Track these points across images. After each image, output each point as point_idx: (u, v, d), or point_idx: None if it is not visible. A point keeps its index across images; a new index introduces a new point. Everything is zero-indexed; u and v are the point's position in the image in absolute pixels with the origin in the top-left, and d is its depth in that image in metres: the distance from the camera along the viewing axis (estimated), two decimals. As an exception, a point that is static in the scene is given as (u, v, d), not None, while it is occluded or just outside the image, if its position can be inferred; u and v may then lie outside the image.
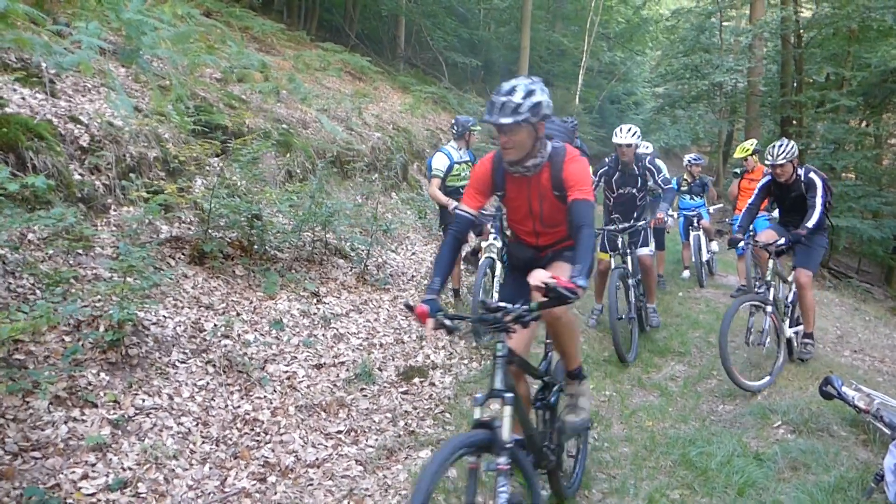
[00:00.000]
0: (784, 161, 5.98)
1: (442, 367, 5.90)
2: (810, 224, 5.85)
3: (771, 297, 5.94)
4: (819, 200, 5.95)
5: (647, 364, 6.55)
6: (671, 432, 4.99)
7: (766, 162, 6.13)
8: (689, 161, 10.58)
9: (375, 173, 10.72)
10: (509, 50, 27.99)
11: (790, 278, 6.36)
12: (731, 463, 4.40)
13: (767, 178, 6.36)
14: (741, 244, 6.39)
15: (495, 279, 6.70)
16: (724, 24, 24.14)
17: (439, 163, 7.19)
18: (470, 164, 7.37)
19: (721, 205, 10.39)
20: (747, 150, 8.94)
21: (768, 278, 6.04)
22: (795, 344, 6.35)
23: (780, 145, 6.05)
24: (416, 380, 5.54)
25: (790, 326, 6.30)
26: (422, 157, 14.03)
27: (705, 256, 10.18)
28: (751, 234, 8.81)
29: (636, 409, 5.49)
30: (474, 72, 25.81)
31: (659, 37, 29.48)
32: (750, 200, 6.53)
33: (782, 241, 6.00)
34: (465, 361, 6.11)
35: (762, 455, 4.60)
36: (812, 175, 6.09)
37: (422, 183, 12.88)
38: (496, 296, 6.61)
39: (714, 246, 10.37)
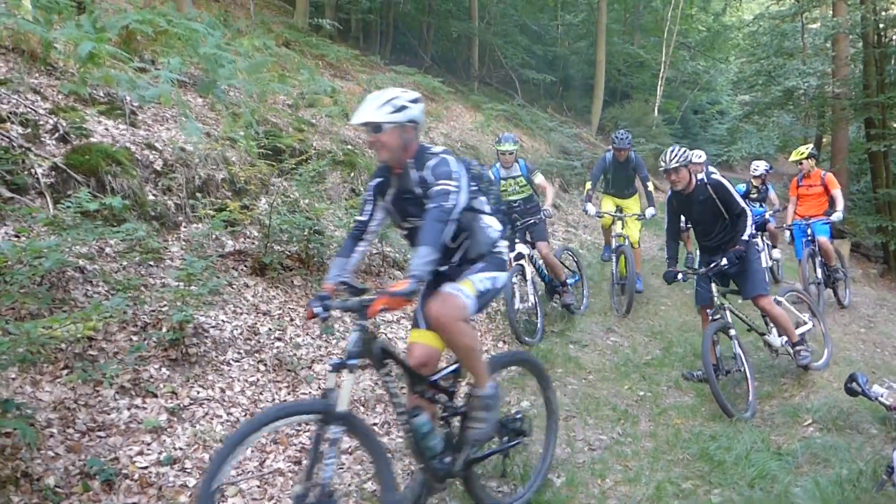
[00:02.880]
0: (677, 164, 5.58)
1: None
2: (745, 235, 5.51)
3: (729, 319, 5.70)
4: (742, 203, 5.61)
5: (691, 368, 6.65)
6: (697, 429, 5.14)
7: (660, 168, 5.72)
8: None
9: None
10: (586, 64, 28.18)
11: (741, 300, 6.05)
12: (749, 457, 4.54)
13: (668, 194, 6.02)
14: (679, 275, 5.87)
15: (528, 284, 7.10)
16: (811, 26, 23.51)
17: None
18: (518, 179, 7.79)
19: (778, 208, 10.25)
20: (802, 153, 8.89)
21: (717, 302, 5.76)
22: (791, 352, 5.97)
23: (672, 150, 5.70)
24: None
25: (779, 336, 6.02)
26: (490, 173, 14.41)
27: (766, 263, 10.04)
28: (809, 237, 8.78)
29: (667, 407, 5.65)
30: (550, 88, 26.07)
31: (741, 43, 28.87)
32: (666, 224, 6.13)
33: (724, 262, 5.57)
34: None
35: (783, 450, 4.72)
36: (716, 176, 5.73)
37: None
38: (531, 299, 7.15)
39: (776, 253, 10.24)
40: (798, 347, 5.84)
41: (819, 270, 8.71)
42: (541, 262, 7.65)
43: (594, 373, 6.32)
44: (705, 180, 5.71)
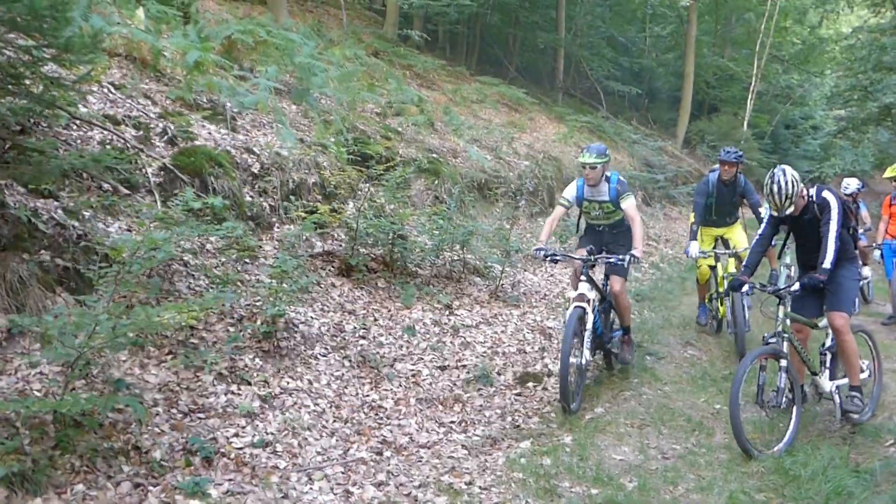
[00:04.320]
0: (792, 208, 5.00)
1: (558, 374, 6.32)
2: (827, 264, 4.94)
3: (785, 349, 5.11)
4: (833, 227, 4.99)
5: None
6: (773, 444, 5.11)
7: (773, 214, 5.18)
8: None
9: (522, 199, 11.27)
10: (674, 76, 27.85)
11: (821, 324, 5.44)
12: (825, 473, 4.50)
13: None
14: (745, 287, 5.26)
15: (586, 335, 5.68)
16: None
17: (566, 191, 6.39)
18: (605, 204, 6.18)
19: (870, 227, 9.94)
20: (896, 170, 8.66)
21: (779, 328, 5.13)
22: (838, 399, 5.34)
23: (778, 189, 4.92)
24: (531, 384, 6.01)
25: (830, 379, 5.44)
26: (571, 184, 14.45)
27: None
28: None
29: (744, 421, 5.59)
30: (635, 100, 25.85)
31: (837, 56, 27.86)
32: (759, 231, 5.55)
33: (795, 286, 5.10)
34: (581, 371, 6.49)
35: (861, 468, 4.64)
36: (826, 194, 5.11)
37: (569, 208, 13.26)
38: (587, 354, 5.69)
39: (866, 271, 9.93)
40: (854, 394, 5.24)
41: (910, 291, 8.43)
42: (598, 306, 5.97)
43: (670, 384, 6.33)
44: (814, 199, 5.16)
